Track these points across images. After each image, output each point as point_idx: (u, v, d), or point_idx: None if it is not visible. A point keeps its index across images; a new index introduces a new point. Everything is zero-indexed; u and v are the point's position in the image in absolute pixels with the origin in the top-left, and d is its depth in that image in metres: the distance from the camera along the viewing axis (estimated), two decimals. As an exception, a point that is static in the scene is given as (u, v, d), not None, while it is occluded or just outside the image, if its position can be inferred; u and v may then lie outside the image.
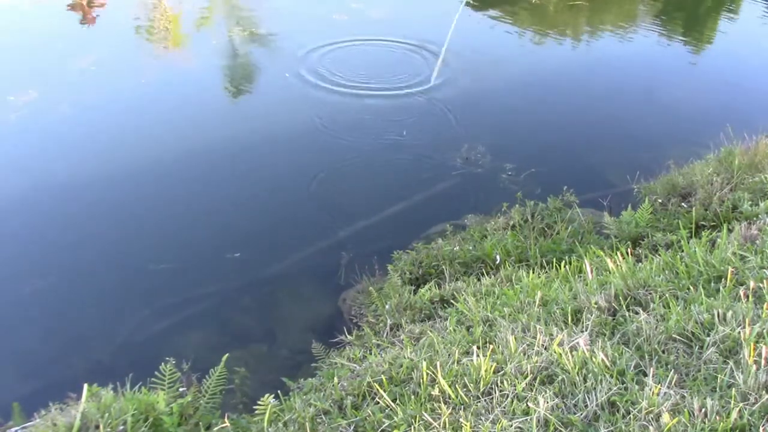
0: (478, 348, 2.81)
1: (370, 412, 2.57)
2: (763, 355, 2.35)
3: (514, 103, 8.57)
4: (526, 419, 2.32)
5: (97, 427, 2.52)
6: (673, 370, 2.46)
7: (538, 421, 2.30)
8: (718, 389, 2.35)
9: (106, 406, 2.64)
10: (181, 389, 2.97)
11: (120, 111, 7.87)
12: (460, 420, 2.37)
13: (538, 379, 2.54)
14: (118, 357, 4.64)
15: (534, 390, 2.47)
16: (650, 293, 3.08)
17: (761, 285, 2.88)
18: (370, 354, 3.32)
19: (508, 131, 7.91)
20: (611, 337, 2.78)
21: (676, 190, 5.26)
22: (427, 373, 2.66)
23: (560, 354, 2.59)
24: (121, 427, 2.55)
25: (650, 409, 2.25)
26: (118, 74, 8.84)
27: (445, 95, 8.43)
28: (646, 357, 2.59)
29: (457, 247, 4.79)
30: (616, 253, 3.59)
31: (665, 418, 2.18)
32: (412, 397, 2.61)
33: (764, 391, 2.25)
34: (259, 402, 2.79)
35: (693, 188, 5.09)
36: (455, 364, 2.74)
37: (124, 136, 7.32)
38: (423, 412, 2.44)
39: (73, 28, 10.48)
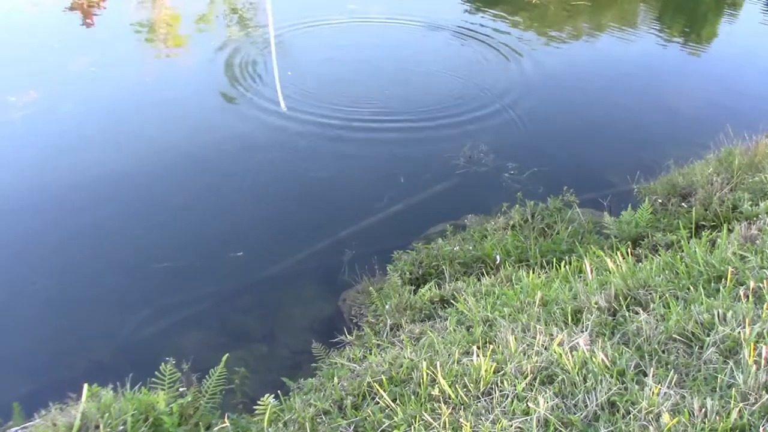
0: (478, 348, 2.81)
1: (370, 412, 2.57)
2: (763, 355, 2.35)
3: (515, 103, 8.58)
4: (526, 419, 2.32)
5: (97, 427, 2.52)
6: (673, 370, 2.45)
7: (538, 421, 2.30)
8: (718, 389, 2.34)
9: (106, 406, 2.64)
10: (181, 389, 2.97)
11: (121, 111, 7.87)
12: (460, 420, 2.37)
13: (538, 379, 2.54)
14: (118, 357, 4.64)
15: (534, 390, 2.47)
16: (650, 293, 3.08)
17: (761, 285, 2.88)
18: (370, 354, 3.32)
19: (510, 131, 7.91)
20: (611, 337, 2.78)
21: (676, 190, 5.26)
22: (427, 373, 2.66)
23: (560, 354, 2.59)
24: (121, 427, 2.55)
25: (650, 409, 2.25)
26: (119, 74, 8.84)
27: (447, 95, 8.46)
28: (646, 357, 2.58)
29: (457, 247, 4.79)
30: (616, 253, 3.58)
31: (665, 418, 2.18)
32: (412, 397, 2.61)
33: (764, 391, 2.25)
34: (259, 402, 2.79)
35: (693, 188, 5.09)
36: (455, 364, 2.74)
37: (124, 135, 7.33)
38: (423, 412, 2.44)
39: (73, 29, 10.48)
